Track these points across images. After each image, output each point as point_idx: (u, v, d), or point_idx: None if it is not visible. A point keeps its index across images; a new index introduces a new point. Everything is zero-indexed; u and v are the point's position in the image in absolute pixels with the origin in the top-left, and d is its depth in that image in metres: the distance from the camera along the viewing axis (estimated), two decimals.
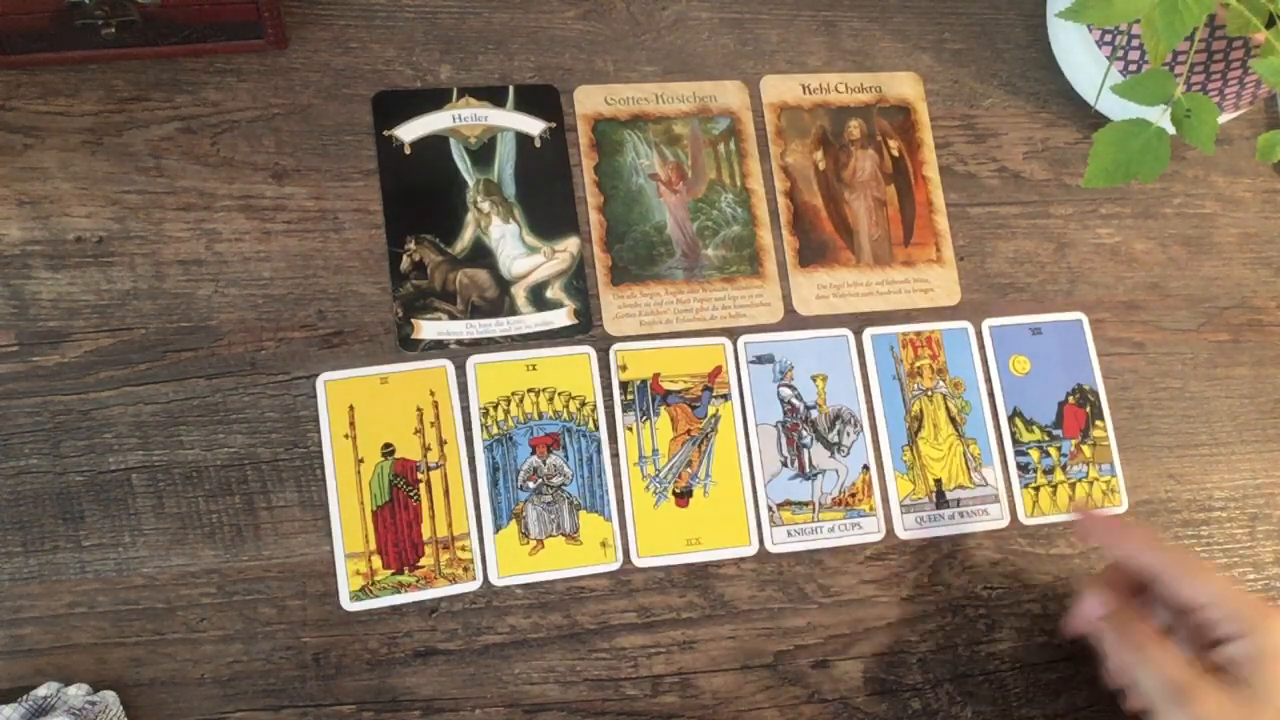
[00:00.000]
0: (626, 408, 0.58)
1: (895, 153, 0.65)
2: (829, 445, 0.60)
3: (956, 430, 0.62)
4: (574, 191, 0.60)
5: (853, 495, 0.60)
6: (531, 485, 0.56)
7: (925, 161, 0.65)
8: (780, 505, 0.59)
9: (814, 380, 0.61)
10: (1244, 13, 0.53)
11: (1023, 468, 0.62)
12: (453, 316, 0.58)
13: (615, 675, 0.55)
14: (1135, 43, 0.61)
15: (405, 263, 0.58)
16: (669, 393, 0.59)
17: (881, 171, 0.65)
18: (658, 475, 0.58)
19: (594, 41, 0.63)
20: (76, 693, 0.49)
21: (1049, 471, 0.62)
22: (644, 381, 0.59)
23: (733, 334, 0.60)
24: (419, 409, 0.56)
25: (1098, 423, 0.64)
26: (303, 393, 0.55)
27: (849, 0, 0.67)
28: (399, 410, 0.56)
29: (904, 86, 0.66)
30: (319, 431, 0.55)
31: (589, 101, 0.62)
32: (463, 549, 0.55)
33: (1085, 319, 0.65)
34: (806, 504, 0.59)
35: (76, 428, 0.53)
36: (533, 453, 0.57)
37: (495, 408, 0.57)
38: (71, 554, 0.52)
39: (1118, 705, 0.53)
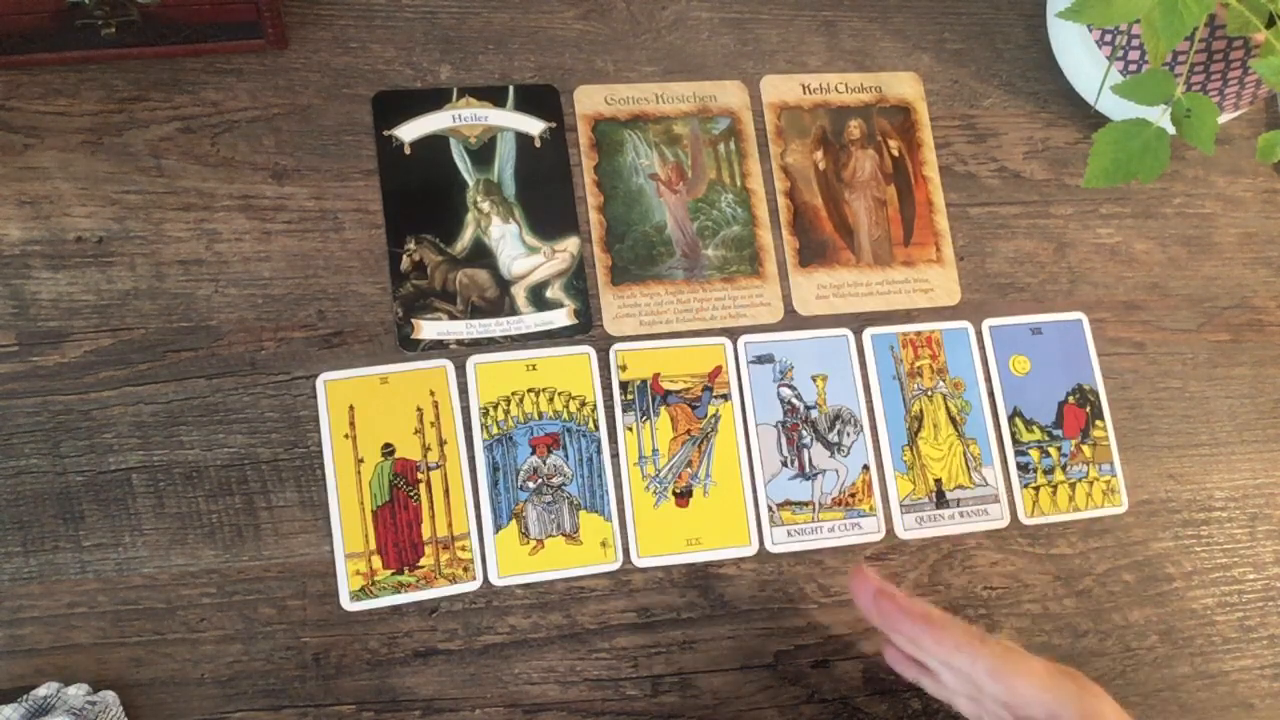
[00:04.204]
0: (626, 408, 0.58)
1: (895, 153, 0.65)
2: (829, 445, 0.60)
3: (956, 430, 0.62)
4: (574, 191, 0.60)
5: (853, 495, 0.60)
6: (531, 485, 0.56)
7: (925, 161, 0.65)
8: (780, 505, 0.59)
9: (814, 380, 0.61)
10: (1244, 13, 0.53)
11: (1023, 468, 0.62)
12: (453, 316, 0.58)
13: (615, 675, 0.55)
14: (1135, 43, 0.61)
15: (405, 263, 0.58)
16: (669, 393, 0.59)
17: (881, 171, 0.65)
18: (658, 475, 0.58)
19: (594, 41, 0.63)
20: (76, 693, 0.49)
21: (1049, 471, 0.62)
22: (644, 381, 0.59)
23: (733, 334, 0.60)
24: (419, 409, 0.56)
25: (1098, 423, 0.64)
26: (303, 393, 0.55)
27: (849, 0, 0.67)
28: (399, 410, 0.56)
29: (904, 86, 0.66)
30: (319, 431, 0.55)
31: (589, 101, 0.62)
32: (463, 549, 0.55)
33: (1085, 319, 0.65)
34: (806, 504, 0.59)
35: (76, 428, 0.53)
36: (533, 453, 0.57)
37: (495, 408, 0.57)
38: (71, 554, 0.52)
39: None
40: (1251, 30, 0.53)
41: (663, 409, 0.59)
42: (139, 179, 0.56)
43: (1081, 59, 0.65)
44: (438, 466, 0.55)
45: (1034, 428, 0.63)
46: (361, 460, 0.55)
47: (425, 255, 0.58)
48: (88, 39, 0.54)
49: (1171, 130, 0.56)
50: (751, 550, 0.58)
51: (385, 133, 0.59)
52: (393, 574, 0.54)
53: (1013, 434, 0.62)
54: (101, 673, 0.51)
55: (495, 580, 0.55)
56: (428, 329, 0.57)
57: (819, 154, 0.64)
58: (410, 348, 0.57)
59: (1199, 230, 0.69)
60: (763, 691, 0.57)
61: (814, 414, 0.60)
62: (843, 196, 0.64)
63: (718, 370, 0.60)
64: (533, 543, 0.56)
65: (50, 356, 0.53)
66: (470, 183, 0.59)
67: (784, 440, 0.60)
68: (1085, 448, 0.63)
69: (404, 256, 0.58)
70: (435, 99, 0.60)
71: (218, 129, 0.57)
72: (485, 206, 0.59)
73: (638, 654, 0.56)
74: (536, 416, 0.57)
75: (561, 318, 0.59)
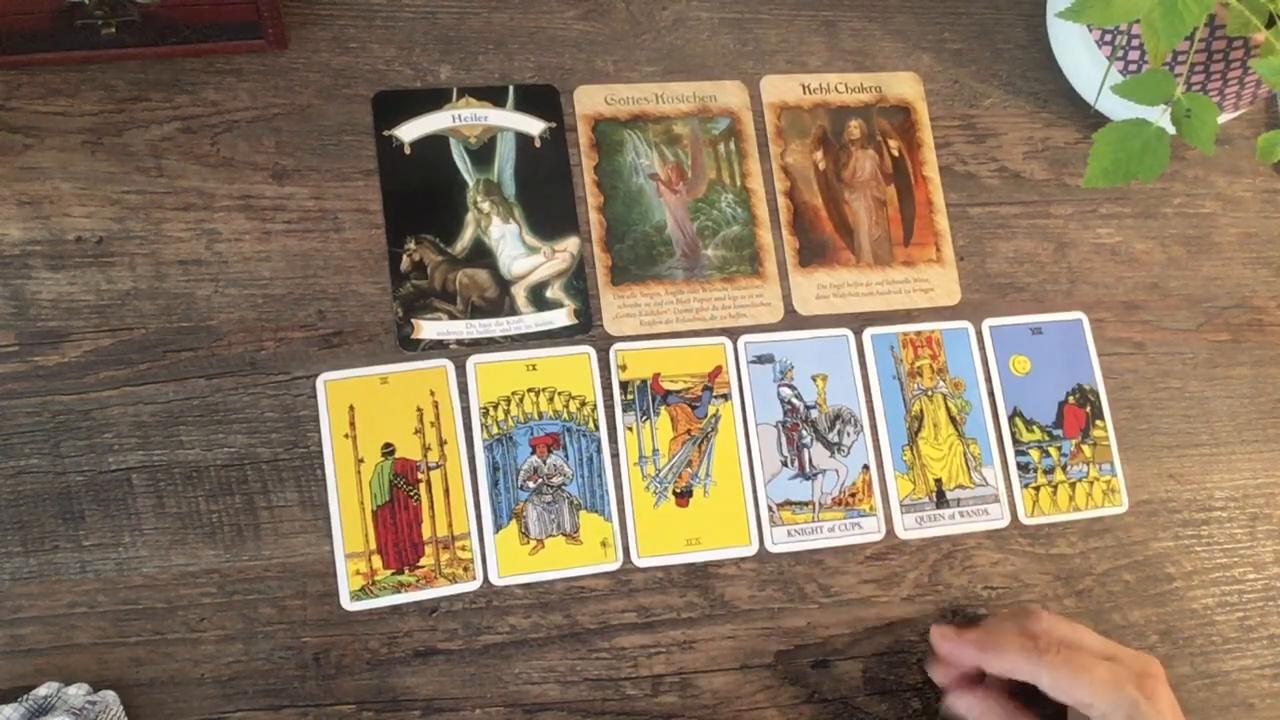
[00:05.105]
0: (626, 408, 0.58)
1: (895, 153, 0.65)
2: (829, 445, 0.60)
3: (956, 430, 0.62)
4: (574, 191, 0.60)
5: (853, 495, 0.60)
6: (532, 485, 0.56)
7: (925, 161, 0.65)
8: (780, 505, 0.59)
9: (814, 380, 0.61)
10: (1244, 13, 0.53)
11: (1023, 467, 0.62)
12: (453, 316, 0.58)
13: (615, 675, 0.55)
14: (1135, 43, 0.61)
15: (405, 263, 0.58)
16: (669, 393, 0.59)
17: (881, 171, 0.65)
18: (658, 475, 0.58)
19: (594, 41, 0.63)
20: (76, 693, 0.49)
21: (1049, 471, 0.62)
22: (644, 381, 0.59)
23: (733, 334, 0.60)
24: (419, 409, 0.56)
25: (1098, 423, 0.64)
26: (303, 393, 0.55)
27: (849, 0, 0.67)
28: (399, 410, 0.56)
29: (904, 86, 0.66)
30: (319, 431, 0.55)
31: (589, 101, 0.62)
32: (463, 549, 0.55)
33: (1085, 319, 0.65)
34: (806, 504, 0.59)
35: (76, 428, 0.53)
36: (533, 452, 0.57)
37: (495, 408, 0.57)
38: (71, 554, 0.52)
39: None
40: (1251, 30, 0.53)
41: (663, 409, 0.59)
42: (139, 179, 0.56)
43: (1081, 59, 0.65)
44: (438, 466, 0.55)
45: (1034, 428, 0.63)
46: (361, 460, 0.55)
47: (425, 255, 0.58)
48: (88, 39, 0.54)
49: (1171, 130, 0.56)
50: (751, 550, 0.58)
51: (385, 133, 0.59)
52: (393, 574, 0.54)
53: (1013, 434, 0.62)
54: (101, 673, 0.51)
55: (495, 580, 0.55)
56: (428, 329, 0.57)
57: (819, 154, 0.64)
58: (410, 348, 0.57)
59: (1199, 230, 0.69)
60: (763, 691, 0.57)
61: (814, 414, 0.60)
62: (843, 196, 0.64)
63: (718, 370, 0.60)
64: (533, 543, 0.56)
65: (50, 356, 0.53)
66: (470, 183, 0.59)
67: (784, 440, 0.60)
68: (1085, 448, 0.63)
69: (404, 256, 0.58)
70: (435, 99, 0.60)
71: (218, 129, 0.57)
72: (485, 206, 0.59)
73: (638, 654, 0.56)
74: (536, 416, 0.57)
75: (561, 318, 0.59)
